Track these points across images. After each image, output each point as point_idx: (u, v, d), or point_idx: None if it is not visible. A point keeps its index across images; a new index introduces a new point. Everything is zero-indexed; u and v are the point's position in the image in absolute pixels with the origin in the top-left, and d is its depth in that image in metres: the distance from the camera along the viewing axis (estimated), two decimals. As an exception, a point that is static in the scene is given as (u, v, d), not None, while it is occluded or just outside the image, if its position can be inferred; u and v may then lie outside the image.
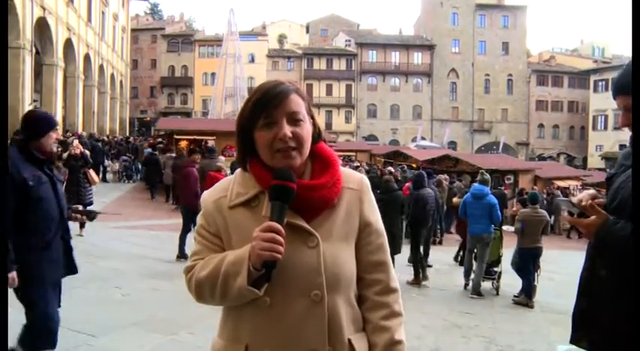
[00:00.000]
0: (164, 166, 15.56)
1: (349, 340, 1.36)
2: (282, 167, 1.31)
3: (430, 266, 9.54)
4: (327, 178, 1.36)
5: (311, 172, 1.40)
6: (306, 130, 1.34)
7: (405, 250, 8.51)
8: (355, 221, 1.40)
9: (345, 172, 1.43)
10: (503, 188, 16.95)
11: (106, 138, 26.47)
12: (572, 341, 1.97)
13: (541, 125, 54.87)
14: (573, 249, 14.22)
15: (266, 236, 1.22)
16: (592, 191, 1.86)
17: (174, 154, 15.82)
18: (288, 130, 1.30)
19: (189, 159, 9.63)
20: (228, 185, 1.41)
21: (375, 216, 1.45)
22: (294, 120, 1.32)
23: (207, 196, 1.43)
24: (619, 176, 1.91)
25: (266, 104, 1.32)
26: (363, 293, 1.42)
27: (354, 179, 1.44)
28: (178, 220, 11.99)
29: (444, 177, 14.24)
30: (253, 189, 1.36)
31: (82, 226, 8.90)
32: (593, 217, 1.73)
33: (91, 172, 8.80)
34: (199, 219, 1.43)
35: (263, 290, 1.27)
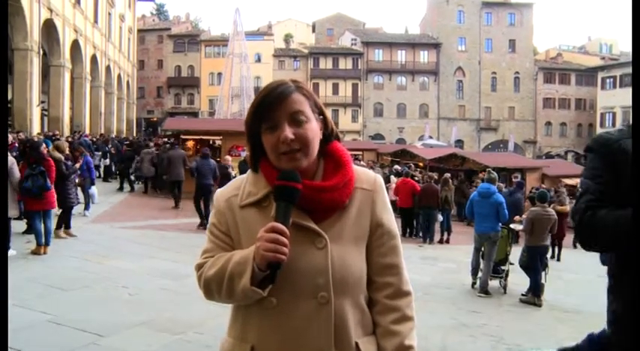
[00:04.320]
0: (142, 161, 16.40)
1: (356, 344, 1.33)
2: (287, 168, 1.30)
3: None
4: (338, 179, 1.33)
5: (323, 172, 1.37)
6: (311, 130, 1.31)
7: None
8: (366, 222, 1.37)
9: (359, 171, 1.41)
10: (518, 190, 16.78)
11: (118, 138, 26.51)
12: None
13: (548, 123, 54.59)
14: (579, 248, 14.13)
15: (270, 237, 1.21)
16: None
17: (152, 150, 17.14)
18: (289, 132, 1.28)
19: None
20: (241, 184, 1.41)
21: (387, 217, 1.41)
22: (297, 121, 1.29)
23: (219, 195, 1.43)
24: None
25: (266, 108, 1.30)
26: (373, 296, 1.39)
27: (368, 179, 1.41)
28: (184, 220, 12.10)
29: (449, 175, 14.28)
30: (264, 189, 1.35)
31: (66, 226, 8.74)
32: None
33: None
34: (212, 217, 1.43)
35: (267, 291, 1.26)
